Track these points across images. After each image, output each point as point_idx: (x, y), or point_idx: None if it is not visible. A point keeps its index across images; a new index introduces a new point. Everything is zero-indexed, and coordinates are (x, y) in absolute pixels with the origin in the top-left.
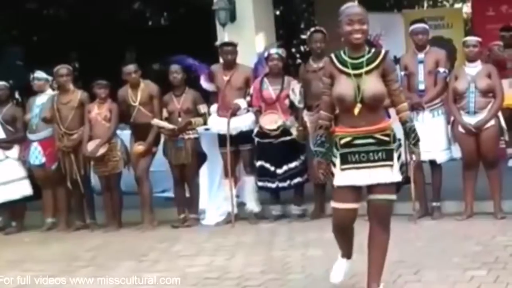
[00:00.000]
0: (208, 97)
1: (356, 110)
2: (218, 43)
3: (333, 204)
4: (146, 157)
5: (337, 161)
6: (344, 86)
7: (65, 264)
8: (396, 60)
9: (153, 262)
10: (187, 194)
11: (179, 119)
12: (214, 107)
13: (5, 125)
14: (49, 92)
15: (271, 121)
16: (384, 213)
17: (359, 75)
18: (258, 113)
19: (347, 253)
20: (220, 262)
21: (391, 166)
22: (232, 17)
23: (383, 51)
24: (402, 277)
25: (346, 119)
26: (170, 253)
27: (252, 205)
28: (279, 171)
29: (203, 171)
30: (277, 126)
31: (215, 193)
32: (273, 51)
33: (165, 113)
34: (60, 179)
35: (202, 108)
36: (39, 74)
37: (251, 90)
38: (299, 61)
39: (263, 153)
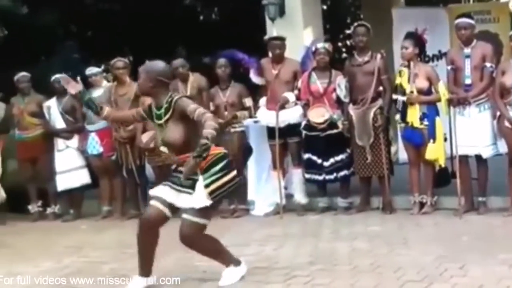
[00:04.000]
0: (257, 91)
1: (164, 150)
2: (267, 37)
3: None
4: None
5: None
6: (156, 133)
7: (120, 251)
8: (442, 55)
9: None
10: None
11: (225, 113)
12: (263, 100)
13: (65, 116)
14: (105, 84)
15: (319, 114)
16: (184, 230)
17: (161, 125)
18: (306, 106)
19: (147, 270)
20: (269, 252)
21: (191, 194)
22: (281, 12)
23: (175, 98)
24: (448, 271)
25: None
26: (221, 242)
27: (300, 197)
28: (325, 163)
29: (251, 163)
30: (324, 120)
31: (264, 184)
32: (320, 45)
33: (211, 107)
34: (116, 168)
35: (248, 101)
36: (92, 70)
37: (299, 84)
38: (345, 55)
39: (311, 145)
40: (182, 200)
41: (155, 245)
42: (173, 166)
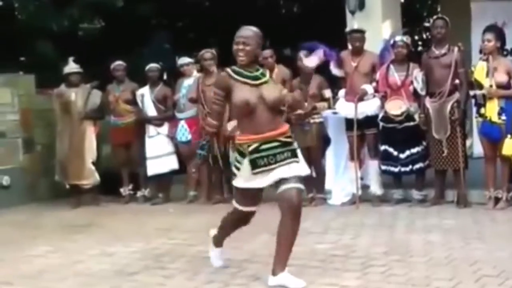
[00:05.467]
0: (336, 82)
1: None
2: (347, 30)
3: (237, 205)
4: None
5: (246, 166)
6: (248, 94)
7: (206, 234)
8: None
9: None
10: (314, 175)
11: (305, 104)
12: (342, 92)
13: (156, 104)
14: (195, 74)
15: (396, 106)
16: (298, 199)
17: (259, 84)
18: (383, 98)
19: (221, 243)
20: (346, 241)
21: (297, 162)
22: (361, 5)
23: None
24: None
25: (249, 127)
26: (300, 229)
27: (375, 188)
28: (401, 155)
29: (329, 153)
30: (402, 112)
31: (341, 174)
32: (398, 38)
33: None
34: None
35: (327, 93)
36: (184, 60)
37: (377, 76)
38: (420, 48)
39: (387, 137)
40: (282, 171)
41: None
42: (253, 147)
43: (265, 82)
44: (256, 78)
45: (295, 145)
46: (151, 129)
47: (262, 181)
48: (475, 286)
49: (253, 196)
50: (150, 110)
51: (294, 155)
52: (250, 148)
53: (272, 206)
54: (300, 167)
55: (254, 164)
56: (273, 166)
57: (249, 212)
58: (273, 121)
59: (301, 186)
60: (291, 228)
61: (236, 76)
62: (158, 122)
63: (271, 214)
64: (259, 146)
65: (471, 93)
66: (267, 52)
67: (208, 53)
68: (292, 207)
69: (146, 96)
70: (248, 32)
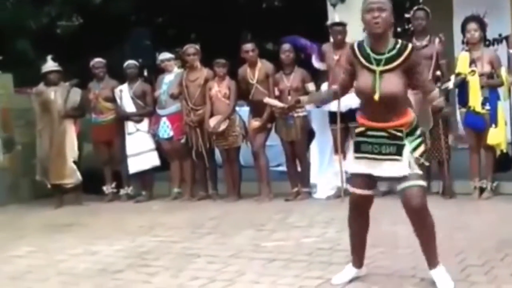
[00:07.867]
0: (318, 76)
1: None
2: (328, 23)
3: (350, 188)
4: (262, 133)
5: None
6: (364, 81)
7: (191, 231)
8: (503, 39)
9: (270, 232)
10: (299, 169)
11: (289, 97)
12: (324, 86)
13: (136, 100)
14: (176, 70)
15: None
16: (418, 198)
17: (380, 71)
18: None
19: (359, 261)
20: (331, 234)
21: (400, 161)
22: None
23: (409, 46)
24: (509, 257)
25: (365, 111)
26: (286, 224)
27: None
28: None
29: (313, 147)
30: None
31: (326, 168)
32: None
33: (276, 92)
34: (186, 151)
35: (310, 86)
36: (165, 55)
37: None
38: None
39: None
40: (386, 169)
41: (366, 231)
42: (359, 130)
43: (388, 70)
44: (377, 63)
45: (405, 140)
46: (130, 126)
47: (363, 167)
48: (460, 276)
49: (361, 178)
50: (129, 107)
51: (399, 152)
52: (357, 131)
53: (255, 201)
54: (400, 168)
55: (357, 148)
56: (377, 157)
57: (363, 196)
58: (397, 109)
59: (415, 182)
60: (420, 228)
61: (354, 56)
62: (137, 118)
63: (254, 210)
64: (365, 131)
65: (443, 86)
66: (249, 46)
67: (191, 48)
68: (414, 208)
69: (124, 92)
70: None
